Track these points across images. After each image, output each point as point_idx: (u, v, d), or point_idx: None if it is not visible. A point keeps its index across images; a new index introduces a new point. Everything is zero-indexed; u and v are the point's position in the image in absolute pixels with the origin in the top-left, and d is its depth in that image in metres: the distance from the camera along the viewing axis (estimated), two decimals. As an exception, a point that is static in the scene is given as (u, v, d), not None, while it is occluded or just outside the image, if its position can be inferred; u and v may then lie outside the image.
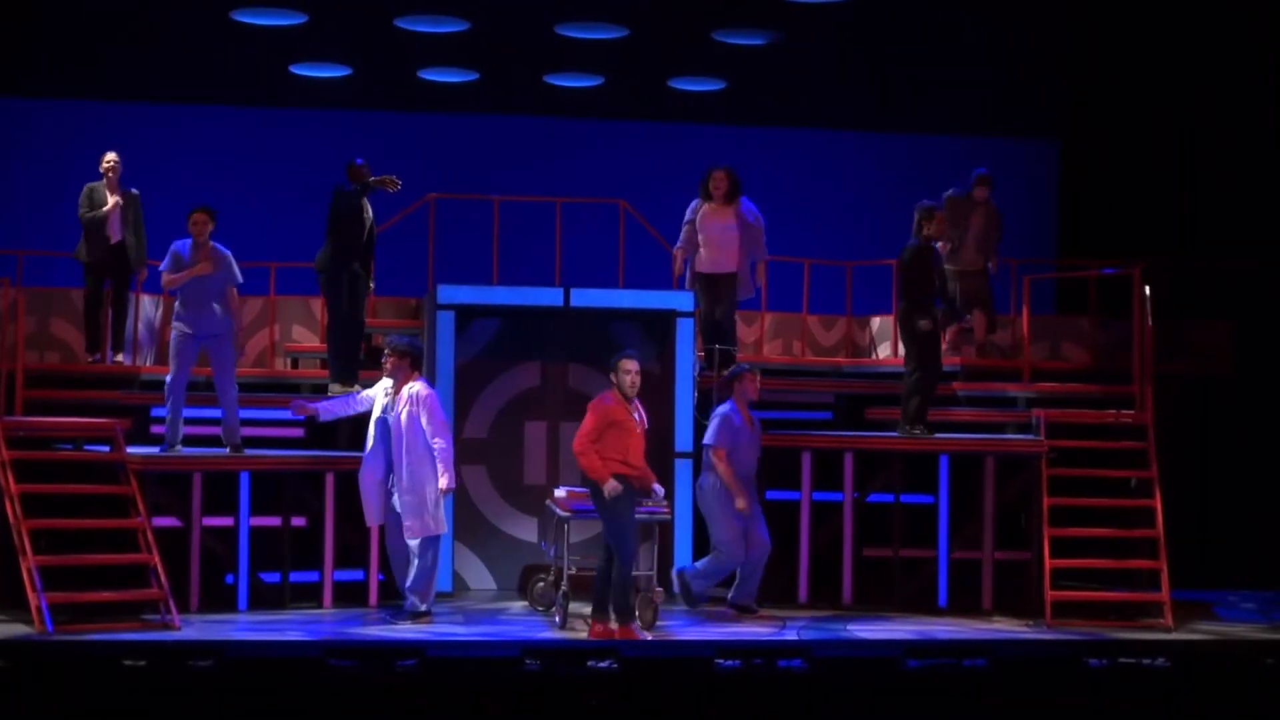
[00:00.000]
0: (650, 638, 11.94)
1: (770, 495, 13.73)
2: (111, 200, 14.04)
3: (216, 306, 13.16)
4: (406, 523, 12.42)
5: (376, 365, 13.13)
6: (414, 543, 12.43)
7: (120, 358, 14.45)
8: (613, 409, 11.94)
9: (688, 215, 14.29)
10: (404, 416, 12.43)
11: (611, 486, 11.80)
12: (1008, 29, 15.58)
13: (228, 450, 13.16)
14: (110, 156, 14.41)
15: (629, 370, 12.02)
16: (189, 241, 13.20)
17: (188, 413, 13.32)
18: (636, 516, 12.06)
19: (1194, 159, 16.57)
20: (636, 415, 12.05)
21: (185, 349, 13.13)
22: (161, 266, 13.22)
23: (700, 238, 14.20)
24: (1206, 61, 15.68)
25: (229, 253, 13.27)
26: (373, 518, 12.69)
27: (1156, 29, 15.24)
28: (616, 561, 11.88)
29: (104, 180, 14.40)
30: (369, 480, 12.61)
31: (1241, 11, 14.61)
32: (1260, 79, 15.58)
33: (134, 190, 14.53)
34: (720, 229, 14.15)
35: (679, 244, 14.33)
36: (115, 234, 14.42)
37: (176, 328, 13.19)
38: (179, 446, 13.12)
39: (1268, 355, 15.87)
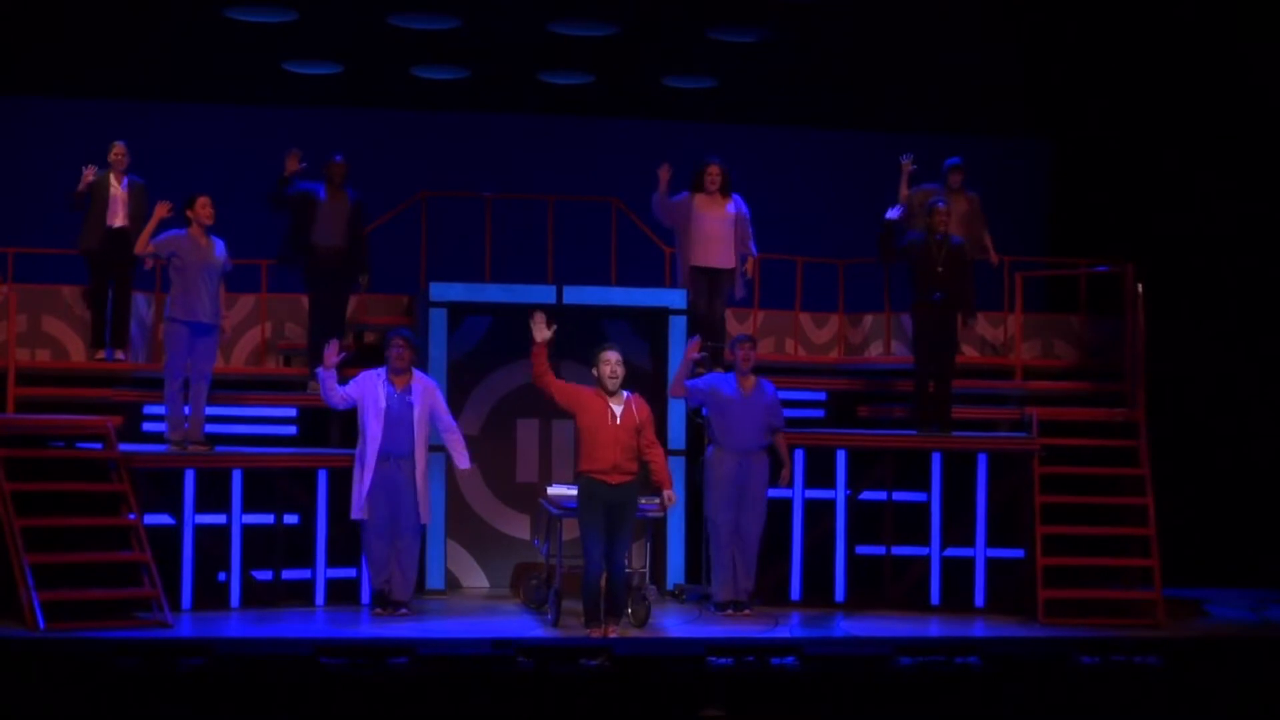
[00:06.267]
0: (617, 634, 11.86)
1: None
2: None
3: (210, 299, 13.16)
4: (421, 508, 12.59)
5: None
6: (411, 532, 12.56)
7: (121, 355, 14.41)
8: (588, 393, 11.86)
9: (672, 199, 14.12)
10: (423, 408, 12.58)
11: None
12: (1000, 27, 15.58)
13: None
14: (118, 148, 14.39)
15: (608, 360, 11.84)
16: (185, 230, 13.14)
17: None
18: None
19: (1187, 156, 16.56)
20: (617, 409, 11.81)
21: (182, 341, 13.11)
22: (157, 237, 13.15)
23: (695, 232, 14.13)
24: (1199, 58, 15.68)
25: (221, 242, 13.33)
26: (361, 509, 12.68)
27: (1149, 27, 15.24)
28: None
29: (109, 170, 14.35)
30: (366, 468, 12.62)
31: (1232, 12, 14.62)
32: (1253, 77, 15.58)
33: (140, 181, 14.48)
34: (716, 222, 14.12)
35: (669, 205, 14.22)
36: (116, 219, 14.33)
37: (172, 320, 13.12)
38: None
39: (1258, 353, 15.88)
